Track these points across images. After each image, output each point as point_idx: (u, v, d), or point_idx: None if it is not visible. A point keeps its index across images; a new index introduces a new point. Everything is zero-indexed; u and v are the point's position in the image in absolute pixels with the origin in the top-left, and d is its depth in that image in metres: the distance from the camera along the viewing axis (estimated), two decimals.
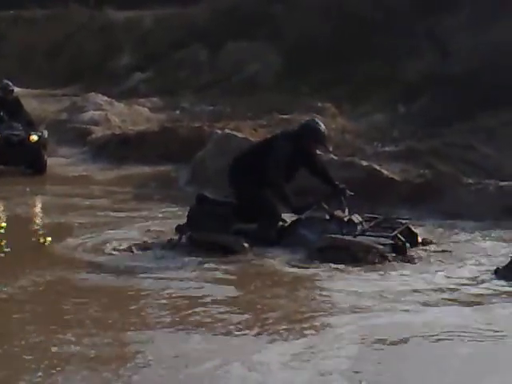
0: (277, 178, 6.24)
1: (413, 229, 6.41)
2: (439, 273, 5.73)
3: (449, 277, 5.64)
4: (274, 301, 5.15)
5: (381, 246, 5.99)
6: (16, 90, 11.03)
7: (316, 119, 6.66)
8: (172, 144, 10.53)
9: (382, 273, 5.74)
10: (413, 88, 11.16)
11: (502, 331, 4.59)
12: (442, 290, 5.33)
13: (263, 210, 6.30)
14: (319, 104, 11.04)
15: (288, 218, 6.51)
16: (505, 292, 5.30)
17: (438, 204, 7.57)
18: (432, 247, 6.34)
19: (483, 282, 5.51)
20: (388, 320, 4.79)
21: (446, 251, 6.27)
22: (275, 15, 15.33)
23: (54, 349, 4.32)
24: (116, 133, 11.77)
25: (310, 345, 4.40)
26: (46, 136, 10.54)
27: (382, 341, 4.44)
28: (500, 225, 7.03)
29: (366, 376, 3.96)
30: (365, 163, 8.31)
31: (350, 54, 12.84)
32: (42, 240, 6.12)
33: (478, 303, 5.07)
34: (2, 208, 8.50)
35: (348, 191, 6.41)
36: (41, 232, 6.53)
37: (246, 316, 4.89)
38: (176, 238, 6.48)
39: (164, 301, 5.20)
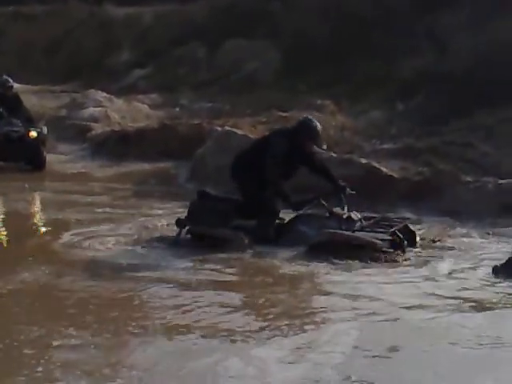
0: (274, 175, 6.26)
1: (411, 227, 6.44)
2: (438, 271, 5.76)
3: (448, 275, 5.66)
4: (275, 297, 5.17)
5: (379, 241, 6.02)
6: (15, 86, 11.04)
7: (311, 117, 6.64)
8: (171, 141, 10.55)
9: (381, 270, 5.77)
10: (411, 86, 11.18)
11: (500, 331, 4.62)
12: (441, 288, 5.35)
13: (262, 207, 6.33)
14: (318, 101, 11.05)
15: (287, 215, 6.54)
16: (503, 290, 5.33)
17: (437, 202, 7.59)
18: (430, 245, 6.36)
19: (481, 279, 5.54)
20: (387, 317, 4.81)
21: (445, 249, 6.30)
22: (274, 13, 15.33)
23: (54, 343, 4.34)
24: (115, 129, 11.78)
25: (308, 340, 4.43)
26: (46, 132, 10.55)
27: (379, 337, 4.47)
28: (498, 222, 7.06)
29: (357, 371, 3.99)
30: (363, 160, 8.33)
31: (348, 53, 12.84)
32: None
33: (476, 301, 5.08)
34: (1, 204, 8.53)
35: (349, 189, 6.43)
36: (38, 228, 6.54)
37: (247, 312, 4.92)
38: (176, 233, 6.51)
39: (164, 296, 5.21)
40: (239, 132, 9.51)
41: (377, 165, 8.22)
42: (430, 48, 12.01)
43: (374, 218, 6.54)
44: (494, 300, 5.12)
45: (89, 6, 19.40)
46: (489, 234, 6.80)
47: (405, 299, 5.11)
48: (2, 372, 4.00)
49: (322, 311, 4.93)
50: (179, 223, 6.50)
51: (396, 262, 5.95)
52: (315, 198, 6.37)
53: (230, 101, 12.72)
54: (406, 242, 6.20)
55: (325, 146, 6.58)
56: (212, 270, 5.76)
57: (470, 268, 5.83)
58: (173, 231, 6.60)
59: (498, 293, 5.27)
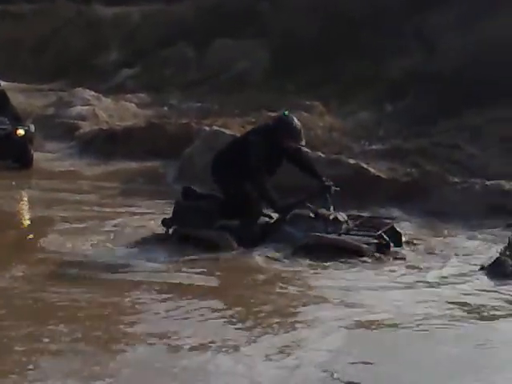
0: (260, 177, 6.22)
1: (397, 228, 6.45)
2: (426, 270, 5.78)
3: (435, 274, 5.68)
4: (265, 296, 5.19)
5: (365, 245, 6.02)
6: (2, 84, 10.97)
7: (287, 113, 6.52)
8: (159, 140, 10.52)
9: (368, 270, 5.78)
10: (399, 86, 11.21)
11: (486, 330, 4.65)
12: (428, 287, 5.38)
13: (245, 206, 6.29)
14: (307, 102, 11.06)
15: (274, 214, 6.54)
16: (489, 290, 5.35)
17: (424, 203, 7.62)
18: (417, 246, 6.37)
19: (468, 280, 5.56)
20: (375, 316, 4.82)
21: (432, 250, 6.32)
22: (262, 13, 15.33)
23: (45, 340, 4.32)
24: (103, 128, 11.74)
25: (297, 338, 4.46)
26: (33, 130, 10.49)
27: (366, 336, 4.50)
28: (485, 224, 7.09)
29: (341, 368, 4.03)
30: (352, 161, 8.34)
31: (337, 53, 12.86)
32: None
33: (464, 302, 5.09)
34: None
35: (334, 187, 6.40)
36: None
37: (238, 310, 4.92)
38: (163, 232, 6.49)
39: (154, 295, 5.21)
40: (228, 132, 9.50)
41: (365, 165, 8.24)
42: (418, 48, 12.05)
43: (361, 217, 6.55)
44: (480, 300, 5.14)
45: (77, 5, 19.34)
46: (476, 235, 6.83)
47: (393, 300, 5.12)
48: None
49: (310, 310, 4.94)
50: (165, 223, 6.48)
51: (383, 262, 5.96)
52: (300, 201, 6.36)
53: (218, 101, 12.70)
54: (391, 244, 6.20)
55: (303, 142, 6.52)
56: (200, 269, 5.75)
57: (456, 269, 5.85)
58: (160, 230, 6.58)
59: (483, 293, 5.29)
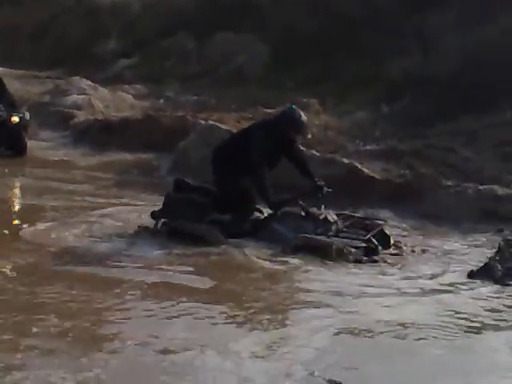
0: (260, 171, 6.21)
1: (386, 231, 6.43)
2: (414, 274, 5.78)
3: (424, 279, 5.68)
4: (256, 292, 5.19)
5: (353, 249, 6.01)
6: None
7: (294, 107, 6.55)
8: (155, 132, 10.48)
9: (358, 270, 5.78)
10: (397, 87, 11.19)
11: (471, 332, 4.65)
12: (417, 291, 5.38)
13: (240, 200, 6.28)
14: (304, 100, 11.03)
15: (265, 210, 6.52)
16: (478, 297, 5.35)
17: (417, 205, 7.61)
18: (407, 249, 6.36)
19: (457, 285, 5.56)
20: (363, 318, 4.83)
21: (421, 253, 6.31)
22: (262, 6, 15.28)
23: (33, 330, 4.31)
24: (99, 118, 11.69)
25: (286, 335, 4.49)
26: (28, 118, 10.43)
27: (352, 337, 4.52)
28: (478, 228, 7.10)
29: (324, 366, 4.05)
30: (346, 161, 8.33)
31: (337, 51, 12.82)
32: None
33: (452, 307, 5.09)
34: None
35: (326, 188, 6.40)
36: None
37: (229, 306, 4.94)
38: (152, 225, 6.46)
39: (144, 289, 5.20)
40: (223, 127, 9.48)
41: (359, 165, 8.23)
42: (418, 48, 12.02)
43: (352, 217, 6.53)
44: (470, 307, 5.14)
45: None
46: (467, 239, 6.83)
47: (383, 301, 5.13)
48: None
49: (300, 308, 4.95)
50: (154, 216, 6.44)
51: (373, 266, 5.95)
52: (293, 198, 6.35)
53: (216, 95, 12.66)
54: (380, 248, 6.19)
55: (309, 135, 6.55)
56: (189, 265, 5.73)
57: (445, 273, 5.85)
58: (150, 223, 6.55)
59: (470, 297, 5.29)
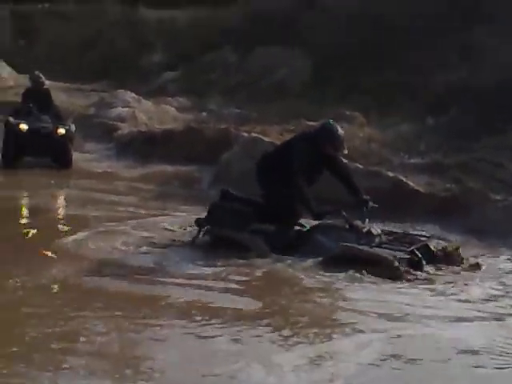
0: (299, 181, 6.18)
1: (431, 246, 6.29)
2: (463, 291, 5.62)
3: (473, 295, 5.53)
4: (301, 306, 5.14)
5: (396, 260, 5.89)
6: (46, 82, 11.10)
7: (332, 122, 6.52)
8: (197, 144, 10.52)
9: (403, 286, 5.66)
10: (442, 100, 11.05)
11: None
12: (465, 308, 5.23)
13: (285, 213, 6.26)
14: (347, 112, 10.97)
15: (307, 223, 6.45)
16: None
17: (464, 219, 7.44)
18: (453, 266, 6.20)
19: (504, 302, 5.40)
20: (410, 332, 4.72)
21: (468, 269, 6.15)
22: (305, 21, 15.29)
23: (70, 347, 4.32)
24: (142, 130, 11.80)
25: (331, 350, 4.42)
26: (73, 130, 10.58)
27: (399, 352, 4.39)
28: None
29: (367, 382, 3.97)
30: (391, 174, 8.22)
31: (381, 64, 12.75)
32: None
33: (500, 325, 4.95)
34: (26, 198, 8.58)
35: (371, 203, 6.33)
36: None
37: (274, 320, 4.88)
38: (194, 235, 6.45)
39: (186, 300, 5.16)
40: (266, 139, 9.46)
41: (404, 179, 8.12)
42: (464, 62, 11.88)
43: (396, 233, 6.43)
44: None
45: (123, 7, 19.55)
46: None
47: (430, 317, 5.01)
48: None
49: (345, 323, 4.87)
50: (198, 223, 6.45)
51: (418, 279, 5.82)
52: (337, 209, 6.29)
53: (257, 108, 12.68)
54: (424, 262, 6.05)
55: (346, 151, 6.48)
56: (233, 276, 5.70)
57: (492, 290, 5.68)
58: (191, 235, 6.54)
59: None
